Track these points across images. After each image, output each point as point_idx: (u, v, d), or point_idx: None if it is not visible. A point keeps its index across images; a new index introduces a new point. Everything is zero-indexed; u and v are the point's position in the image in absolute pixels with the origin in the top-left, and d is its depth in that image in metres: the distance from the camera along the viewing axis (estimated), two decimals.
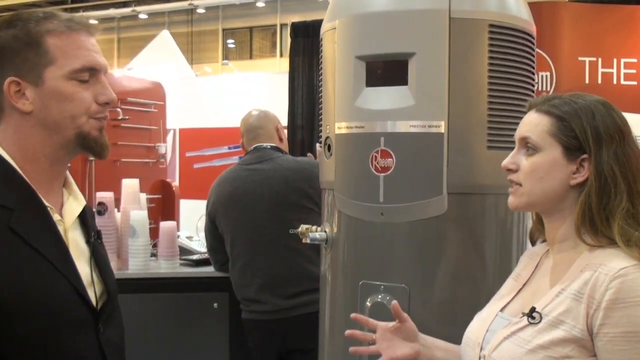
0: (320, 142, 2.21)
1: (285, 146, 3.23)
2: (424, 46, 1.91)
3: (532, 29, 2.05)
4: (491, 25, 1.93)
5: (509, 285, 1.59)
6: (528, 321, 1.39)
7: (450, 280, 1.96)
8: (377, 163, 1.95)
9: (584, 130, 1.41)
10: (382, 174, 1.94)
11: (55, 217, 1.37)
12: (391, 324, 1.61)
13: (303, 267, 2.96)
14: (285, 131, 3.76)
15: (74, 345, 1.31)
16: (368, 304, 1.97)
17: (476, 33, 1.92)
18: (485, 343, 1.49)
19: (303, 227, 2.22)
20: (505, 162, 1.49)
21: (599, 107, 1.44)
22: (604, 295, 1.30)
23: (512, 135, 1.96)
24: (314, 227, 2.20)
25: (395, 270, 1.98)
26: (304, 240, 2.21)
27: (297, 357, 3.01)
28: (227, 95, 8.49)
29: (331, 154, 2.10)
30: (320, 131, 2.23)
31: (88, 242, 1.45)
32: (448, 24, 1.89)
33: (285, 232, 2.62)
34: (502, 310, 1.53)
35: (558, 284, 1.41)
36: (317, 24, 5.05)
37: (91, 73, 1.38)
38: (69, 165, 1.50)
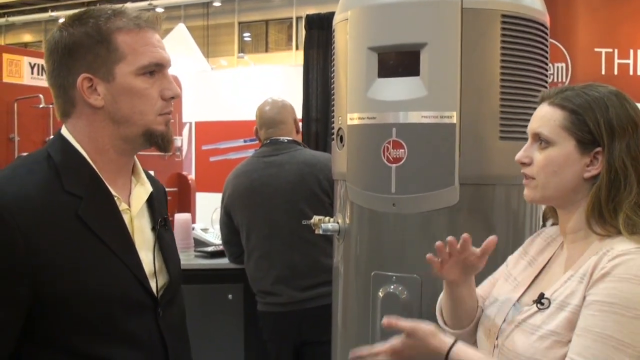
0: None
1: (300, 137, 3.24)
2: (436, 37, 1.90)
3: (546, 19, 2.04)
4: (503, 16, 1.92)
5: (525, 272, 1.58)
6: (537, 307, 1.41)
7: None
8: (389, 154, 1.95)
9: (598, 124, 1.40)
10: (394, 165, 1.95)
11: (122, 206, 1.42)
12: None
13: (318, 259, 2.96)
14: (300, 124, 3.76)
15: (131, 329, 1.37)
16: (380, 294, 1.97)
17: (488, 23, 1.92)
18: (501, 333, 1.50)
19: (316, 218, 2.23)
20: (519, 156, 1.49)
21: (612, 99, 1.43)
22: (600, 272, 1.33)
23: (525, 126, 1.95)
24: (326, 218, 2.21)
25: (407, 260, 1.98)
26: (316, 231, 2.22)
27: (312, 348, 3.02)
28: (243, 89, 8.51)
29: (343, 145, 2.10)
30: (334, 123, 2.23)
31: (154, 228, 1.50)
32: (460, 14, 1.89)
33: (300, 224, 2.63)
34: (518, 300, 1.53)
35: (568, 272, 1.42)
36: (332, 16, 5.03)
37: (157, 68, 1.43)
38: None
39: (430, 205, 1.93)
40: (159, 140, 1.44)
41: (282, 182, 3.02)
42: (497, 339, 1.50)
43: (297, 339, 3.03)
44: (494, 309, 1.57)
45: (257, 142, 3.30)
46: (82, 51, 1.37)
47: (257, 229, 3.07)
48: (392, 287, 1.96)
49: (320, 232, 2.19)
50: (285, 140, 3.12)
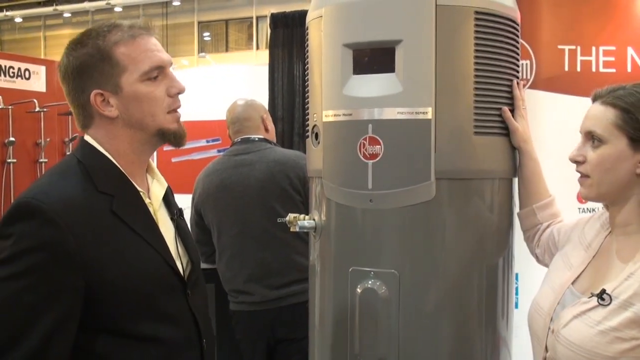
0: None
1: (272, 136, 3.23)
2: (410, 33, 1.92)
3: (517, 15, 2.07)
4: (477, 12, 1.94)
5: (580, 256, 1.61)
6: (598, 302, 1.43)
7: (440, 266, 1.98)
8: (366, 150, 1.96)
9: None
10: (371, 161, 1.95)
11: (146, 200, 1.61)
12: None
13: (291, 257, 2.96)
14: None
15: (169, 309, 1.56)
16: (358, 290, 1.98)
17: (462, 20, 1.94)
18: (555, 316, 1.53)
19: (291, 216, 2.23)
20: (572, 155, 1.53)
21: None
22: None
23: (498, 121, 2.00)
24: (301, 216, 2.21)
25: (385, 256, 1.99)
26: (292, 229, 2.21)
27: (286, 347, 3.02)
28: (204, 88, 8.43)
29: (319, 142, 2.10)
30: (304, 121, 2.23)
31: (172, 219, 1.71)
32: (434, 11, 1.90)
33: (272, 222, 2.63)
34: (572, 283, 1.56)
35: (627, 267, 1.44)
36: (296, 14, 5.04)
37: (159, 70, 1.58)
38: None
39: (407, 201, 1.94)
40: (172, 138, 1.63)
41: (252, 181, 3.01)
42: (551, 321, 1.53)
43: (270, 338, 3.03)
44: (548, 289, 1.62)
45: (220, 142, 3.29)
46: (89, 71, 1.54)
47: (228, 228, 3.06)
48: (370, 282, 1.96)
49: (297, 229, 2.18)
50: (256, 139, 3.12)
